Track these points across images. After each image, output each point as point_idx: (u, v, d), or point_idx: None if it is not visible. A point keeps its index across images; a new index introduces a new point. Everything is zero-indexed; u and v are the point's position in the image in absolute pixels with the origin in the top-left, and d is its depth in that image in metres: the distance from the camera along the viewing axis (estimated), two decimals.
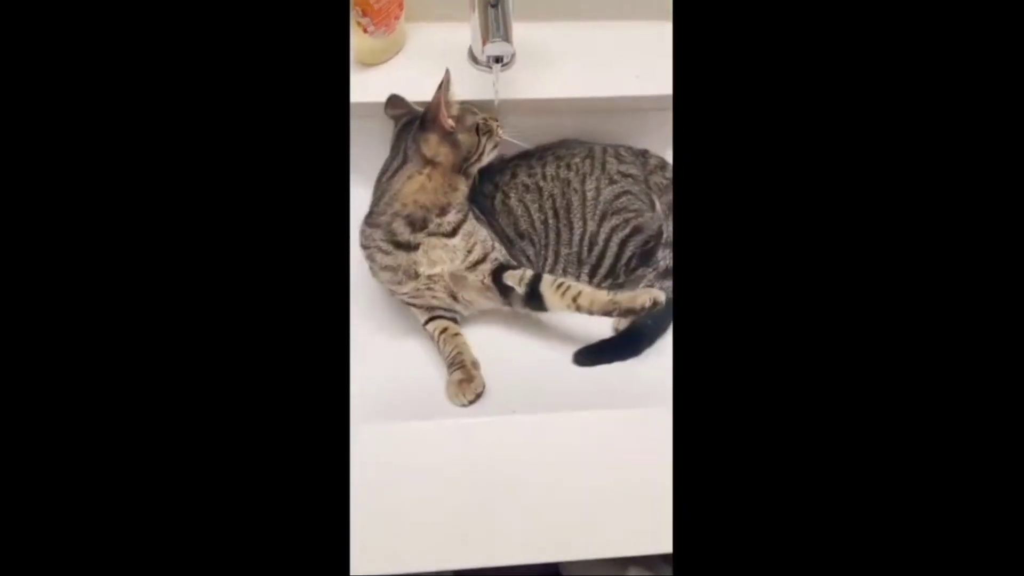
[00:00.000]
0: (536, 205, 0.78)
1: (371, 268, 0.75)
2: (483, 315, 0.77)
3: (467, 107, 0.75)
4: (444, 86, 0.70)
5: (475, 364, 0.72)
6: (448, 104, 0.71)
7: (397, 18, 0.76)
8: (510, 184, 0.79)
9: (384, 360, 0.75)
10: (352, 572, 0.46)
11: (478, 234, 0.74)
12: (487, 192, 0.79)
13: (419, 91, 0.75)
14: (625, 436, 0.61)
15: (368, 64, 0.79)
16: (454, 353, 0.72)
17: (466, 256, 0.72)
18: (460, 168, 0.73)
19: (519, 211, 0.78)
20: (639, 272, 0.77)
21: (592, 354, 0.74)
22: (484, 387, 0.70)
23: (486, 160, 0.75)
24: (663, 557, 0.58)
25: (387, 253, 0.73)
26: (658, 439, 0.58)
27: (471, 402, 0.69)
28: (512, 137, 0.77)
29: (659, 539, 0.55)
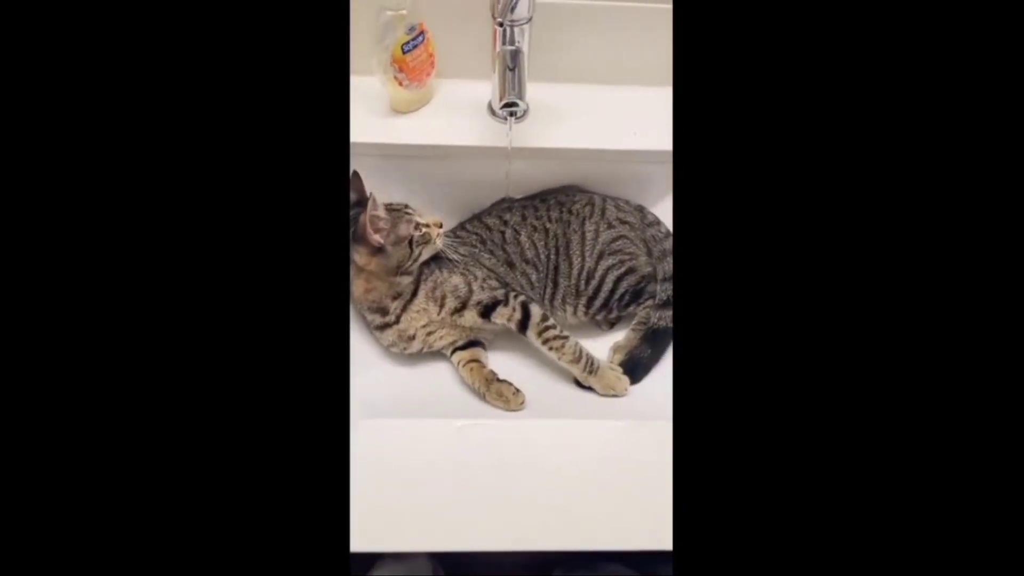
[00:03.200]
0: (542, 243, 0.83)
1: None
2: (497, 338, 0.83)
3: (402, 214, 0.75)
4: (370, 205, 0.71)
5: (493, 375, 0.77)
6: (374, 220, 0.71)
7: (429, 75, 0.84)
8: (521, 224, 0.85)
9: (398, 365, 0.80)
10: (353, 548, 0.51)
11: (445, 285, 0.77)
12: (492, 226, 0.85)
13: (442, 136, 0.84)
14: (627, 444, 0.66)
15: (401, 112, 0.86)
16: (478, 383, 0.77)
17: (440, 309, 0.77)
18: (396, 272, 0.75)
19: (526, 245, 0.83)
20: (631, 309, 0.82)
21: None
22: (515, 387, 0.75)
23: (422, 260, 0.77)
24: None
25: (377, 337, 0.78)
26: (660, 448, 0.64)
27: (521, 404, 0.74)
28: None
29: (653, 536, 0.59)
